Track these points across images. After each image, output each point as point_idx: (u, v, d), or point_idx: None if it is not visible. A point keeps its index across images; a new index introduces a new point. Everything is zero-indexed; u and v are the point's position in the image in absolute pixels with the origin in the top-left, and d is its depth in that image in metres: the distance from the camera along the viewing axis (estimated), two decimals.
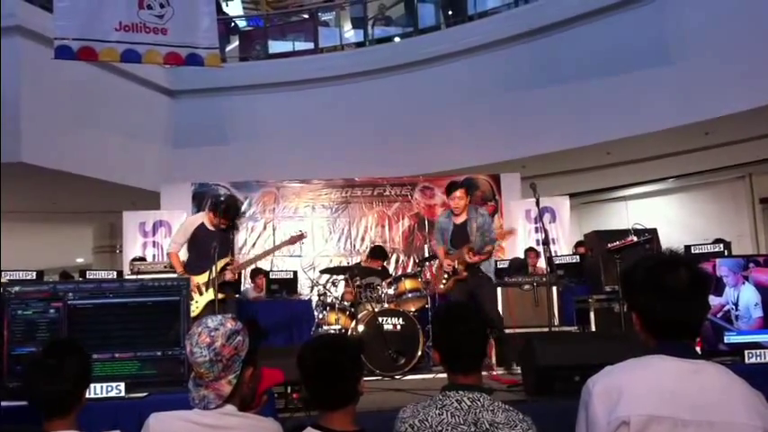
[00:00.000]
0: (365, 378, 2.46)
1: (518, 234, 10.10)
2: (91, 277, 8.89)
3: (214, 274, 5.97)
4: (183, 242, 6.46)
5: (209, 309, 5.96)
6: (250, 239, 11.11)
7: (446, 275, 6.57)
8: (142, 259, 9.68)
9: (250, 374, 2.39)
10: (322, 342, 2.47)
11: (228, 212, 6.34)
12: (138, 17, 7.95)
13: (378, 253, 8.61)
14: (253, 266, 9.16)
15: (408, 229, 11.38)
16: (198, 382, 2.32)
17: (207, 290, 6.08)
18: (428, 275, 8.67)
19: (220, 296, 6.05)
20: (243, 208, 10.78)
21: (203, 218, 6.45)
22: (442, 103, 12.27)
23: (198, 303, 6.05)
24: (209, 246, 5.97)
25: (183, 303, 3.74)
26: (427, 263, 8.56)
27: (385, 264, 8.87)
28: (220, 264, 6.10)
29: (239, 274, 8.76)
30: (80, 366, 2.41)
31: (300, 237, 7.09)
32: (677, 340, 1.86)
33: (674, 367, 1.80)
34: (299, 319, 8.03)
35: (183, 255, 6.55)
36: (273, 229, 11.09)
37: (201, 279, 6.10)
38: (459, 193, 6.52)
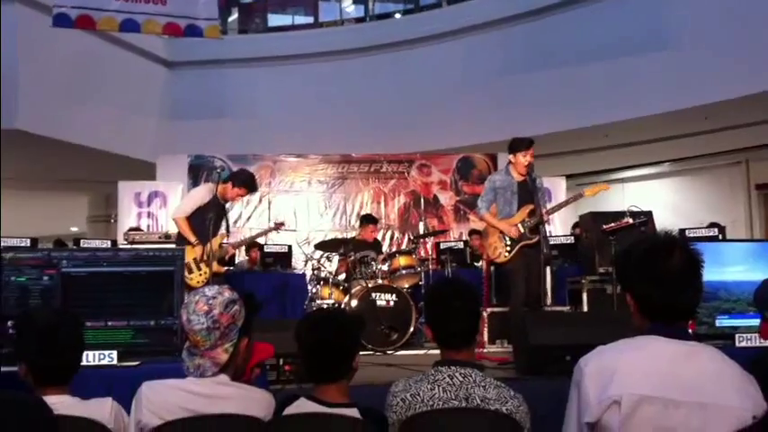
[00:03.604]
0: None
1: None
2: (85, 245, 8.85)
3: (213, 247, 5.96)
4: (190, 211, 6.15)
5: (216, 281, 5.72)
6: (245, 213, 11.08)
7: (508, 243, 5.72)
8: (138, 229, 9.66)
9: (245, 345, 2.39)
10: (323, 320, 2.46)
11: (248, 184, 6.28)
12: None
13: (367, 220, 8.53)
14: None
15: (404, 206, 11.38)
16: (193, 351, 2.32)
17: (201, 263, 6.02)
18: (422, 253, 8.67)
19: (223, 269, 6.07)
20: None
21: (211, 193, 6.22)
22: (441, 82, 12.22)
23: (202, 276, 5.93)
24: (207, 220, 5.92)
25: (178, 274, 3.75)
26: (421, 240, 8.54)
27: (378, 237, 8.85)
28: (216, 241, 6.06)
29: None
30: (73, 336, 2.39)
31: (281, 225, 7.29)
32: (672, 322, 1.86)
33: (668, 349, 1.80)
34: (293, 292, 8.05)
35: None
36: (269, 203, 11.07)
37: (197, 253, 5.98)
38: (532, 150, 5.74)
